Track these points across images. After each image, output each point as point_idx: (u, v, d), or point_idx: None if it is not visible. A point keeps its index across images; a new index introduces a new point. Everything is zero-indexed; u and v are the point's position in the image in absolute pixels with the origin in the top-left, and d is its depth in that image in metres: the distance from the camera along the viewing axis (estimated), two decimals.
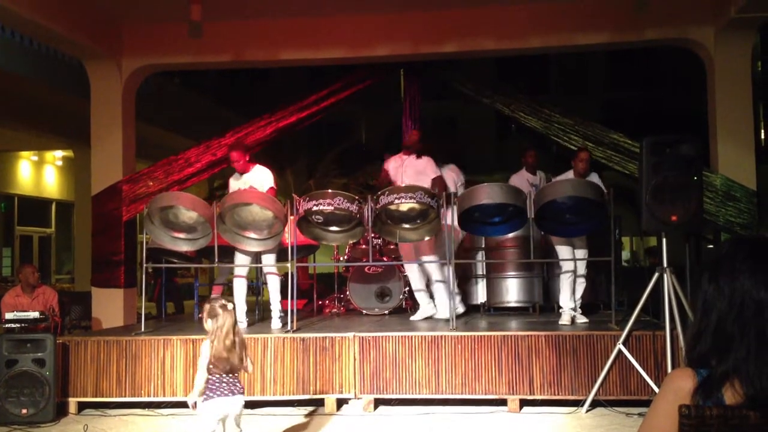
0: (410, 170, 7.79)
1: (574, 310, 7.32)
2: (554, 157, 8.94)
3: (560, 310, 7.39)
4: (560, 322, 7.14)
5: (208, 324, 4.59)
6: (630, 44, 9.55)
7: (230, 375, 4.56)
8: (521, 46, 9.22)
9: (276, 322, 7.27)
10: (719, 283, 1.76)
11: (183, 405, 6.64)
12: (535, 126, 9.17)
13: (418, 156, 7.86)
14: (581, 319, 7.26)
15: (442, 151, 8.62)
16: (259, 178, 7.47)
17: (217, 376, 4.52)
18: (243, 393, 4.63)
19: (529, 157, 8.44)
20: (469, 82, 9.74)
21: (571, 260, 7.27)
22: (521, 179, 8.38)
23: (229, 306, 4.64)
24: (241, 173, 7.51)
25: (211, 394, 4.51)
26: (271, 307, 7.42)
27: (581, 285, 7.39)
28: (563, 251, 7.31)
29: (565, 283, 7.34)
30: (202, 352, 4.59)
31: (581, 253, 7.33)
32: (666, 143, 5.99)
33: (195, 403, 4.61)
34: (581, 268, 7.36)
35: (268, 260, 7.41)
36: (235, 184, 7.62)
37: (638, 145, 6.70)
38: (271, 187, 7.41)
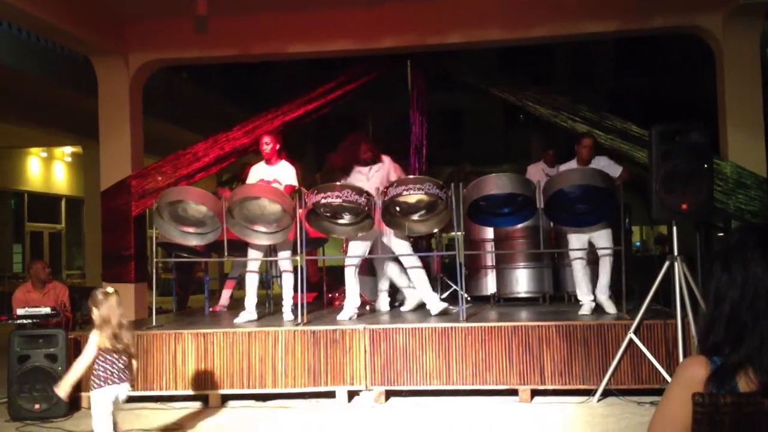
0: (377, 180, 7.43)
1: (608, 299, 7.16)
2: (564, 149, 8.88)
3: (580, 303, 7.28)
4: (580, 313, 7.05)
5: (94, 312, 4.72)
6: (637, 32, 9.49)
7: (123, 360, 4.69)
8: (527, 35, 9.18)
9: (288, 314, 7.34)
10: (731, 271, 1.75)
11: (194, 398, 6.69)
12: (543, 114, 9.12)
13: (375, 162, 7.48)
14: (610, 310, 7.05)
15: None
16: (284, 173, 7.47)
17: (109, 361, 4.65)
18: (130, 382, 4.78)
19: (550, 156, 8.55)
20: (476, 72, 9.71)
21: (579, 250, 7.26)
22: (536, 169, 8.41)
23: (110, 290, 4.82)
24: (267, 161, 7.51)
25: (102, 384, 4.64)
26: (284, 302, 7.46)
27: (607, 272, 7.16)
28: (573, 241, 7.25)
29: (578, 275, 7.25)
30: (90, 341, 4.70)
31: (603, 236, 7.09)
32: (675, 131, 5.97)
33: (67, 394, 4.78)
34: (605, 252, 7.17)
35: (285, 255, 7.44)
36: (257, 173, 7.57)
37: (647, 133, 6.67)
38: (289, 185, 7.36)
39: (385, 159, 7.57)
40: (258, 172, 7.58)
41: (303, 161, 21.48)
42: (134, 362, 4.89)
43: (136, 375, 5.03)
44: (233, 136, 9.30)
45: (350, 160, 7.46)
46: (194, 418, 6.20)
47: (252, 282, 7.48)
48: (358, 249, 7.43)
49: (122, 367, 4.70)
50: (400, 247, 7.37)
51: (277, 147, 7.51)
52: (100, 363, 4.67)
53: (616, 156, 8.74)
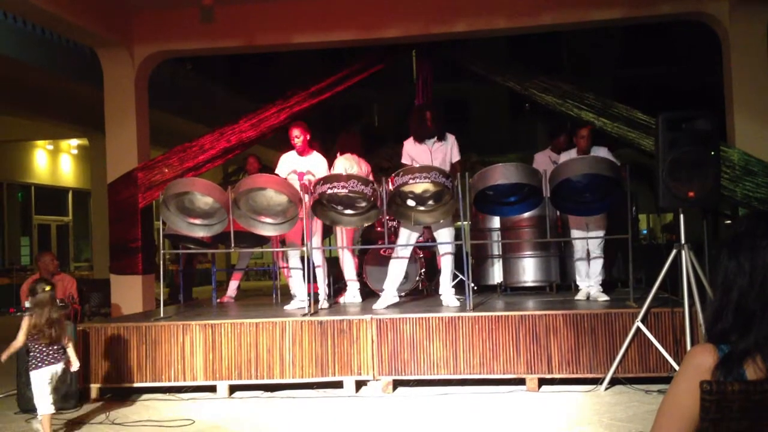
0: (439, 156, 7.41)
1: (592, 287, 7.36)
2: (568, 136, 8.85)
3: (578, 289, 7.48)
4: (576, 298, 7.28)
5: (29, 301, 5.46)
6: (643, 19, 9.44)
7: (55, 346, 5.38)
8: (533, 23, 9.13)
9: (324, 302, 7.58)
10: (739, 259, 1.74)
11: (203, 389, 6.71)
12: (549, 102, 9.09)
13: (441, 138, 7.45)
14: (602, 297, 7.24)
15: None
16: (319, 167, 7.54)
17: (43, 347, 5.34)
18: (63, 361, 5.43)
19: (561, 142, 8.54)
20: (481, 61, 9.67)
21: (584, 239, 7.28)
22: (544, 157, 8.40)
23: (47, 287, 5.46)
24: (300, 153, 7.55)
25: (39, 364, 5.32)
26: (298, 292, 7.65)
27: (598, 264, 7.36)
28: (576, 234, 7.38)
29: (577, 262, 7.46)
30: (22, 326, 5.36)
31: (597, 233, 7.30)
32: (682, 119, 5.94)
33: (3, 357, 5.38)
34: (596, 247, 7.33)
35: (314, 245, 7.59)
36: (288, 164, 7.60)
37: (653, 120, 6.64)
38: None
39: (450, 137, 7.49)
40: (289, 163, 7.62)
41: None
42: (70, 347, 5.52)
43: (76, 356, 5.61)
44: (240, 128, 9.30)
45: (415, 130, 7.41)
46: (203, 408, 6.23)
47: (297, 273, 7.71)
48: (404, 238, 7.41)
49: (56, 348, 5.39)
50: (442, 234, 7.38)
51: (308, 137, 7.55)
52: (36, 346, 5.35)
53: (622, 144, 8.73)
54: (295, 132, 7.53)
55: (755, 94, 8.46)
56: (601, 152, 7.25)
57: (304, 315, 6.83)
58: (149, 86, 9.79)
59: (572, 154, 7.33)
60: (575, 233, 7.40)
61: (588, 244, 7.34)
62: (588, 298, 7.33)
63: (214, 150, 9.35)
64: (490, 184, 6.92)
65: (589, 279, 7.40)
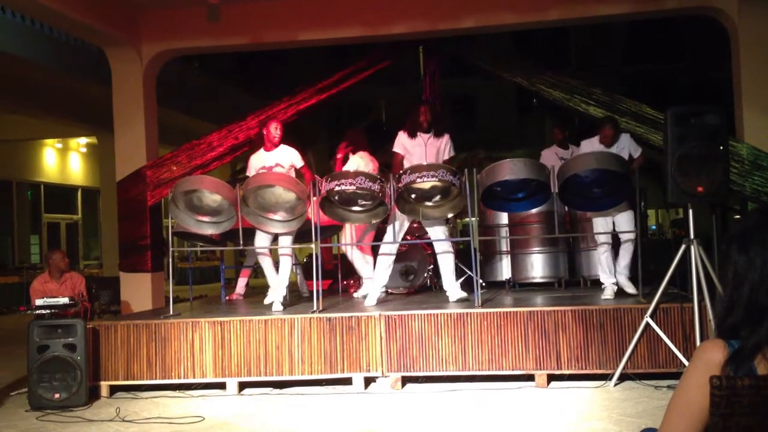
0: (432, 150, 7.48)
1: (628, 279, 7.19)
2: (577, 131, 8.85)
3: (602, 286, 7.25)
4: (604, 297, 6.99)
5: None
6: (651, 14, 9.41)
7: None
8: (540, 18, 9.11)
9: (272, 300, 7.40)
10: (750, 254, 1.74)
11: (213, 386, 6.74)
12: (557, 98, 9.07)
13: (437, 134, 7.51)
14: (630, 290, 7.09)
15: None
16: (287, 157, 7.55)
17: None
18: None
19: (556, 135, 8.52)
20: (488, 57, 9.65)
21: (604, 233, 7.21)
22: (550, 153, 8.41)
23: None
24: (267, 148, 7.60)
25: None
26: (270, 287, 7.57)
27: (629, 252, 7.17)
28: (599, 224, 7.21)
29: (601, 257, 7.23)
30: None
31: (625, 218, 7.09)
32: (690, 113, 5.92)
33: None
34: (627, 234, 7.16)
35: (285, 242, 7.49)
36: (257, 162, 7.66)
37: (662, 115, 6.61)
38: (304, 166, 7.52)
39: (446, 135, 7.54)
40: (258, 160, 7.70)
41: (316, 148, 21.52)
42: None
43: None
44: (247, 125, 9.32)
45: (410, 124, 7.47)
46: (212, 405, 6.25)
47: (267, 265, 7.64)
48: (390, 235, 7.42)
49: None
50: (435, 231, 7.38)
51: (281, 133, 7.66)
52: None
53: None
54: (275, 125, 7.63)
55: (764, 89, 8.42)
56: (624, 140, 7.25)
57: (313, 312, 6.84)
58: (157, 84, 9.81)
59: (594, 142, 7.29)
60: (597, 223, 7.25)
61: (618, 237, 7.24)
62: (614, 295, 7.04)
63: (222, 147, 9.37)
64: (498, 179, 6.92)
65: (612, 275, 7.18)
